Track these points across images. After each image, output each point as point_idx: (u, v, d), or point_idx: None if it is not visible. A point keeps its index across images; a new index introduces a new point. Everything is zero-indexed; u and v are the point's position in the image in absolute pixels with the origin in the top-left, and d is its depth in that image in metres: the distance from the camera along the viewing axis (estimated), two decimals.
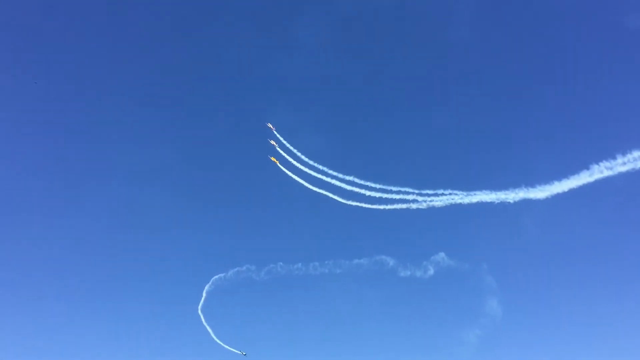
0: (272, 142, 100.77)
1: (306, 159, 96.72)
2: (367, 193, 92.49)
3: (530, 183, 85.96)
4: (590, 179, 75.60)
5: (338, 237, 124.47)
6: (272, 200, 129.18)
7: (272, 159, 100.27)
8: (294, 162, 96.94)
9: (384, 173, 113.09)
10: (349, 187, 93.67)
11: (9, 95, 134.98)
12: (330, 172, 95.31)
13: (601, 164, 78.00)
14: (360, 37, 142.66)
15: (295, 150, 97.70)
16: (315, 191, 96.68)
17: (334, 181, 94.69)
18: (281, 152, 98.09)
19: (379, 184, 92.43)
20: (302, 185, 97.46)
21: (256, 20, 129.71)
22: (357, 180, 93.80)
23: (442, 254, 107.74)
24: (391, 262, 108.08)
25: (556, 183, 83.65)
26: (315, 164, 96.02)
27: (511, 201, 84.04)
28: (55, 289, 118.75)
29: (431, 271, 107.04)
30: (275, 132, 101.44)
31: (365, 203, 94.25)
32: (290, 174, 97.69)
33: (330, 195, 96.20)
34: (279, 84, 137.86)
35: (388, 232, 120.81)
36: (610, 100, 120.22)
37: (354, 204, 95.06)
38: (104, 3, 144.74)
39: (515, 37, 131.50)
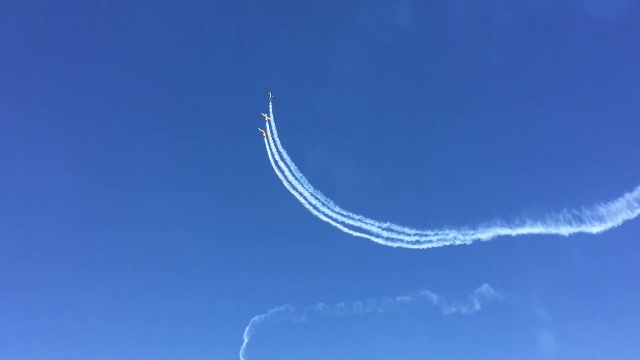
0: (265, 115, 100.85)
1: (339, 209, 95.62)
2: (406, 239, 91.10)
3: (576, 205, 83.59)
4: None
5: (379, 274, 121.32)
6: (308, 239, 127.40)
7: (261, 130, 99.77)
8: (330, 212, 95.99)
9: (422, 212, 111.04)
10: (386, 234, 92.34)
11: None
12: (367, 220, 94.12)
13: None
14: (393, 69, 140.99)
15: (330, 201, 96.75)
16: (354, 235, 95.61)
17: (371, 227, 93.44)
18: (289, 175, 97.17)
19: (417, 229, 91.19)
20: (340, 229, 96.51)
21: (286, 54, 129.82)
22: (393, 226, 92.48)
23: (485, 285, 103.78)
24: (435, 297, 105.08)
25: (603, 205, 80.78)
26: (351, 214, 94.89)
27: (566, 235, 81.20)
28: (91, 341, 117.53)
29: (477, 306, 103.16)
30: (271, 104, 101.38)
31: (406, 244, 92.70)
32: (325, 218, 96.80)
33: (371, 238, 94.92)
34: (311, 122, 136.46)
35: (430, 266, 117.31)
36: None
37: (396, 245, 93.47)
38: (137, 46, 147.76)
39: (556, 60, 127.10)
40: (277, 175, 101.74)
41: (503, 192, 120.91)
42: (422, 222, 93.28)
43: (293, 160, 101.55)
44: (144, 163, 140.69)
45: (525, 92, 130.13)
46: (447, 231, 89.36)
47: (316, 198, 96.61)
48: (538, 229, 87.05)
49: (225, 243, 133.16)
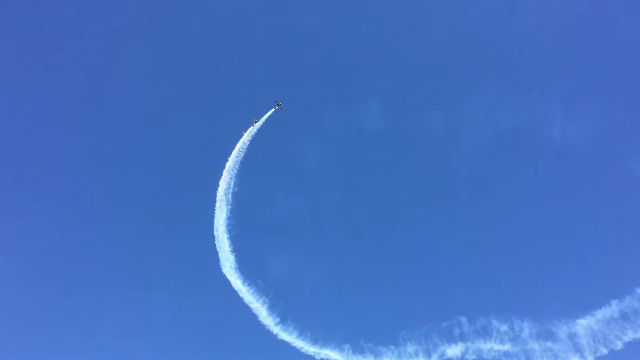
0: (255, 120, 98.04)
1: (298, 333, 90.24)
2: None
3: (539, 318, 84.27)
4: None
5: None
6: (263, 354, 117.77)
7: (244, 133, 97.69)
8: (288, 336, 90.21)
9: (387, 324, 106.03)
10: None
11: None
12: (328, 345, 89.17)
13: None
14: (361, 174, 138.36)
15: (290, 325, 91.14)
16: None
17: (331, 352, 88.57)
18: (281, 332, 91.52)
19: (380, 346, 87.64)
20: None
21: (249, 155, 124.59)
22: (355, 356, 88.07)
23: None
24: None
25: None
26: (310, 342, 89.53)
27: None
28: None
29: None
30: (271, 112, 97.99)
31: None
32: (287, 340, 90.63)
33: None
34: (274, 227, 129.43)
35: None
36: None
37: None
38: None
39: (521, 175, 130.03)
40: (232, 283, 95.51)
41: (472, 302, 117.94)
42: (387, 334, 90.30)
43: (252, 267, 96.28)
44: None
45: (492, 202, 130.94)
46: (410, 348, 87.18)
47: (274, 317, 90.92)
48: (504, 347, 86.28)
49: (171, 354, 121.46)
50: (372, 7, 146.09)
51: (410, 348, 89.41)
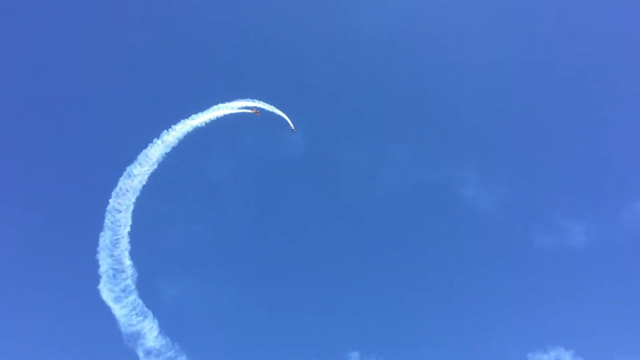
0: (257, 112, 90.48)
1: None
2: None
3: None
4: None
5: None
6: None
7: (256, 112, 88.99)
8: None
9: None
10: None
11: None
12: None
13: None
14: (275, 203, 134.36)
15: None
16: None
17: None
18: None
19: None
20: None
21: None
22: None
23: None
24: None
25: None
26: None
27: None
28: None
29: None
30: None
31: None
32: None
33: None
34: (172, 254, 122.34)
35: None
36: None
37: None
38: None
39: (434, 229, 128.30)
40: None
41: (364, 341, 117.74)
42: None
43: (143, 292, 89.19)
44: None
45: (396, 251, 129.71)
46: None
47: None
48: None
49: None
50: (311, 40, 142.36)
51: None
